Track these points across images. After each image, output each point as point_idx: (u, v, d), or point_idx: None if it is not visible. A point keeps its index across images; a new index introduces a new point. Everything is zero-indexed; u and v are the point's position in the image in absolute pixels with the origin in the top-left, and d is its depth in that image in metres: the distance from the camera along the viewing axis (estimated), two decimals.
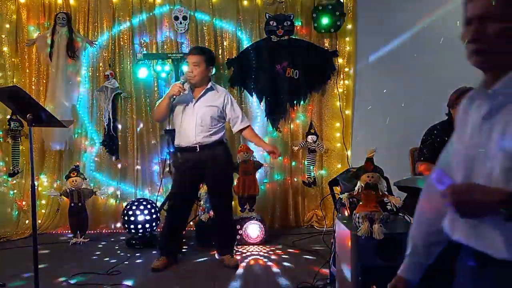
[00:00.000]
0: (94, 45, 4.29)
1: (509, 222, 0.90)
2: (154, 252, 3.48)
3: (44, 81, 4.31)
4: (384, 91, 4.21)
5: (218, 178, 3.15)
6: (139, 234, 3.72)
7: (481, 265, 1.01)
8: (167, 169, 4.17)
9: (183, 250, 3.55)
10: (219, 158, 3.12)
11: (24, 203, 4.23)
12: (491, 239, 0.96)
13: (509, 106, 0.98)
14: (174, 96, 3.06)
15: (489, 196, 0.90)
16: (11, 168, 4.19)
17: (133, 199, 4.00)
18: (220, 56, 4.39)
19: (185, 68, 3.31)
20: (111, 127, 4.25)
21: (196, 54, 3.11)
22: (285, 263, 3.27)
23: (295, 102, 4.42)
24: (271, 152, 3.22)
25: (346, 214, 2.49)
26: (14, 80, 4.26)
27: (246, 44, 4.39)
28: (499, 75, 1.02)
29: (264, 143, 3.36)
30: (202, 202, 3.78)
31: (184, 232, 3.46)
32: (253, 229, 3.74)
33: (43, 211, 4.26)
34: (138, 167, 4.36)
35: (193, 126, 3.08)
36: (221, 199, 3.21)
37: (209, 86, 3.16)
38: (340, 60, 4.40)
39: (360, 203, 2.18)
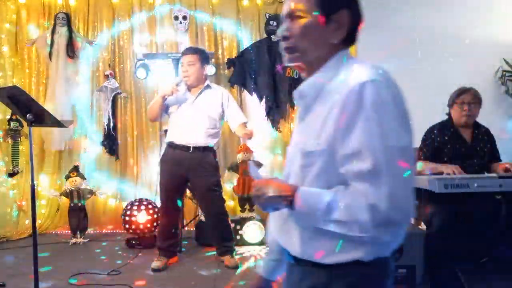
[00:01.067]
0: (94, 45, 4.29)
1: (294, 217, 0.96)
2: (154, 252, 3.47)
3: (44, 81, 4.31)
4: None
5: (207, 185, 3.12)
6: (139, 234, 3.72)
7: (293, 261, 1.02)
8: None
9: (183, 250, 3.55)
10: (207, 163, 3.11)
11: (24, 203, 4.23)
12: (291, 237, 1.00)
13: (315, 108, 1.00)
14: (166, 96, 3.05)
15: (278, 190, 0.95)
16: (11, 168, 4.19)
17: (133, 199, 4.00)
18: (220, 56, 4.39)
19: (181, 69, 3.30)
20: (111, 127, 4.25)
21: (190, 54, 3.11)
22: None
23: (295, 102, 4.41)
24: (246, 134, 3.10)
25: None
26: (14, 80, 4.26)
27: (246, 44, 4.39)
28: (311, 74, 1.04)
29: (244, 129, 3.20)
30: None
31: (181, 230, 3.45)
32: (253, 229, 3.74)
33: (43, 211, 4.26)
34: (138, 167, 4.36)
35: (190, 125, 3.07)
36: (212, 205, 3.18)
37: (206, 84, 3.16)
38: None
39: None
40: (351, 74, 0.93)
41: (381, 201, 0.84)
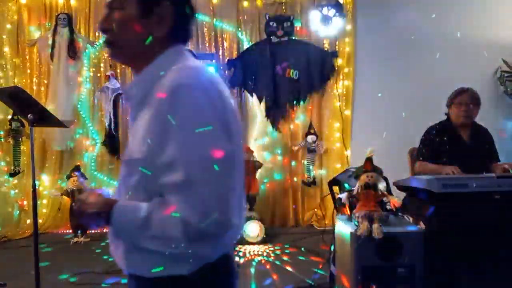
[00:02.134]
0: (95, 45, 4.31)
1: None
2: None
3: (45, 82, 4.33)
4: (383, 91, 4.22)
5: None
6: None
7: (127, 274, 0.99)
8: None
9: None
10: None
11: (25, 203, 4.24)
12: (118, 250, 0.95)
13: (141, 111, 0.91)
14: None
15: (96, 207, 0.89)
16: (12, 168, 4.20)
17: None
18: (220, 57, 4.40)
19: None
20: (112, 127, 4.27)
21: None
22: (285, 263, 3.28)
23: (295, 102, 4.44)
24: None
25: (346, 213, 2.50)
26: (15, 80, 4.27)
27: (246, 44, 4.40)
28: (139, 72, 0.96)
29: None
30: None
31: None
32: (253, 229, 3.75)
33: (44, 210, 4.27)
34: None
35: None
36: None
37: None
38: (339, 61, 4.41)
39: (360, 203, 2.19)
40: (170, 75, 0.86)
41: (192, 215, 0.78)
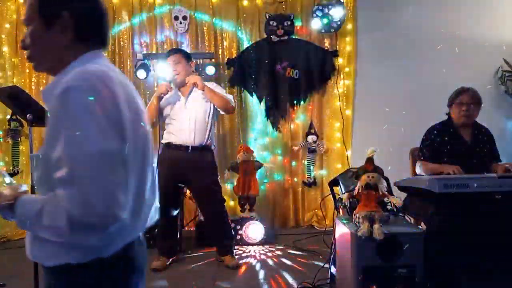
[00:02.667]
0: None
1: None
2: (154, 252, 3.47)
3: (44, 81, 4.31)
4: (384, 91, 4.21)
5: (207, 184, 3.16)
6: None
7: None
8: None
9: (183, 249, 3.55)
10: (206, 163, 3.15)
11: None
12: (26, 241, 1.05)
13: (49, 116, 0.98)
14: (162, 95, 3.08)
15: (5, 199, 0.99)
16: (11, 168, 4.19)
17: None
18: (220, 56, 4.39)
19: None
20: None
21: (173, 54, 3.19)
22: (285, 263, 3.27)
23: (295, 102, 4.42)
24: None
25: (346, 214, 2.49)
26: (14, 80, 4.26)
27: (246, 44, 4.39)
28: None
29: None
30: None
31: (181, 230, 3.45)
32: (253, 229, 3.74)
33: None
34: None
35: (187, 124, 3.09)
36: (212, 205, 3.21)
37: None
38: (340, 60, 4.40)
39: (360, 203, 2.18)
40: (67, 78, 0.93)
41: (75, 207, 0.85)
